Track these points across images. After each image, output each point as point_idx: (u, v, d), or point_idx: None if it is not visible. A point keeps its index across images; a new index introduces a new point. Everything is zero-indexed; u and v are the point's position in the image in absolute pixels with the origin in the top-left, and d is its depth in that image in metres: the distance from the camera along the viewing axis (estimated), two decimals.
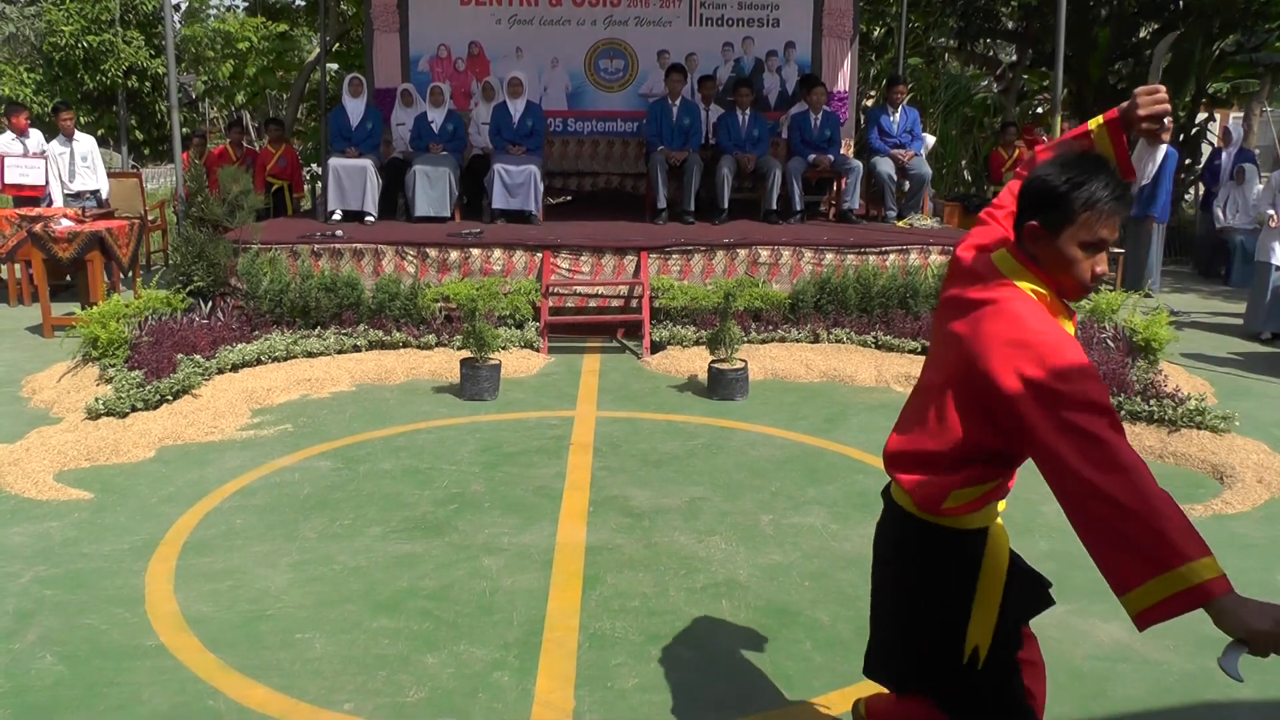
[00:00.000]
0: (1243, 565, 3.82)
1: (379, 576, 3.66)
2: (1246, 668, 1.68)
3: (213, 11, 17.68)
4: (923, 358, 3.58)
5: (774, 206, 8.85)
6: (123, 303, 6.40)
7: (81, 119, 11.75)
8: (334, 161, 8.69)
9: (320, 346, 6.67)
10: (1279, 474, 4.70)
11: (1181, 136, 13.17)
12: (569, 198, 10.63)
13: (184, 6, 17.05)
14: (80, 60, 12.71)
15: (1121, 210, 1.89)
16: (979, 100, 15.34)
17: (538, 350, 7.09)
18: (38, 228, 7.72)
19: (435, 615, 3.37)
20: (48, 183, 9.19)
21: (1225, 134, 11.31)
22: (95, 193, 9.56)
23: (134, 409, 5.33)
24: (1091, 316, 6.90)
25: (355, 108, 8.99)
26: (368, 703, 2.86)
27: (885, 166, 9.07)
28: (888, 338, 6.98)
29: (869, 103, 13.99)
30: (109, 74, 12.79)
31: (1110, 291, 7.91)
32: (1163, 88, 2.10)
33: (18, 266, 8.88)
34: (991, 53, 17.78)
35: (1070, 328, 1.96)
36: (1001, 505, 2.11)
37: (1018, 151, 10.98)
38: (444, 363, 6.62)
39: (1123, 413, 5.43)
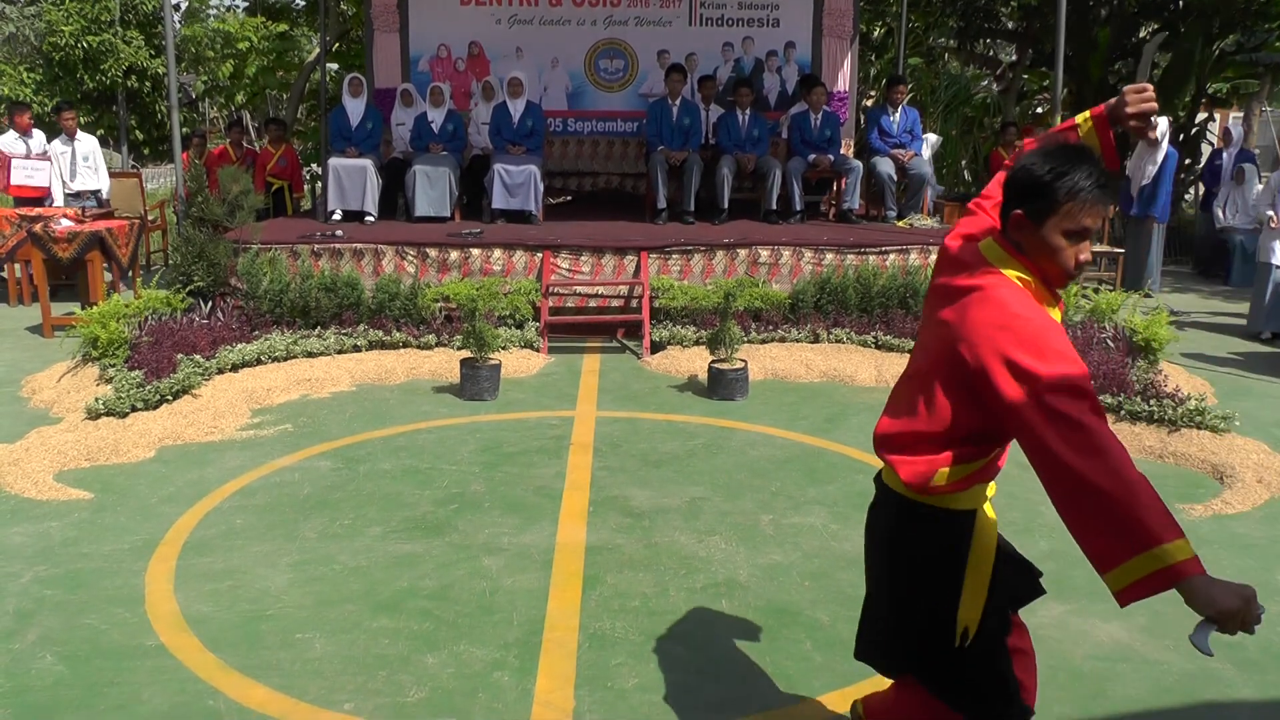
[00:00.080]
0: (1243, 565, 3.82)
1: (379, 576, 3.66)
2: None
3: (213, 11, 17.68)
4: None
5: (774, 206, 8.85)
6: (123, 303, 6.40)
7: (81, 119, 11.73)
8: (334, 161, 8.69)
9: (320, 346, 6.67)
10: (1279, 474, 4.70)
11: (1181, 136, 13.17)
12: (569, 198, 10.63)
13: (184, 6, 17.04)
14: (80, 60, 12.70)
15: (1104, 199, 1.93)
16: (979, 100, 15.34)
17: (538, 350, 7.09)
18: (38, 228, 7.72)
19: (435, 615, 3.37)
20: (51, 183, 9.21)
21: (1225, 134, 11.30)
22: (96, 193, 9.56)
23: (134, 409, 5.33)
24: (1091, 316, 6.90)
25: (355, 108, 8.99)
26: (368, 703, 2.86)
27: (885, 166, 9.07)
28: (888, 338, 6.98)
29: (869, 103, 13.99)
30: (109, 74, 12.79)
31: (1110, 291, 7.92)
32: (1150, 86, 2.16)
33: (18, 266, 8.89)
34: (991, 53, 17.77)
35: (1056, 315, 2.01)
36: (991, 489, 2.16)
37: (1017, 152, 10.97)
38: (444, 363, 6.62)
39: (1123, 413, 5.43)
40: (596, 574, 3.69)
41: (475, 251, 7.55)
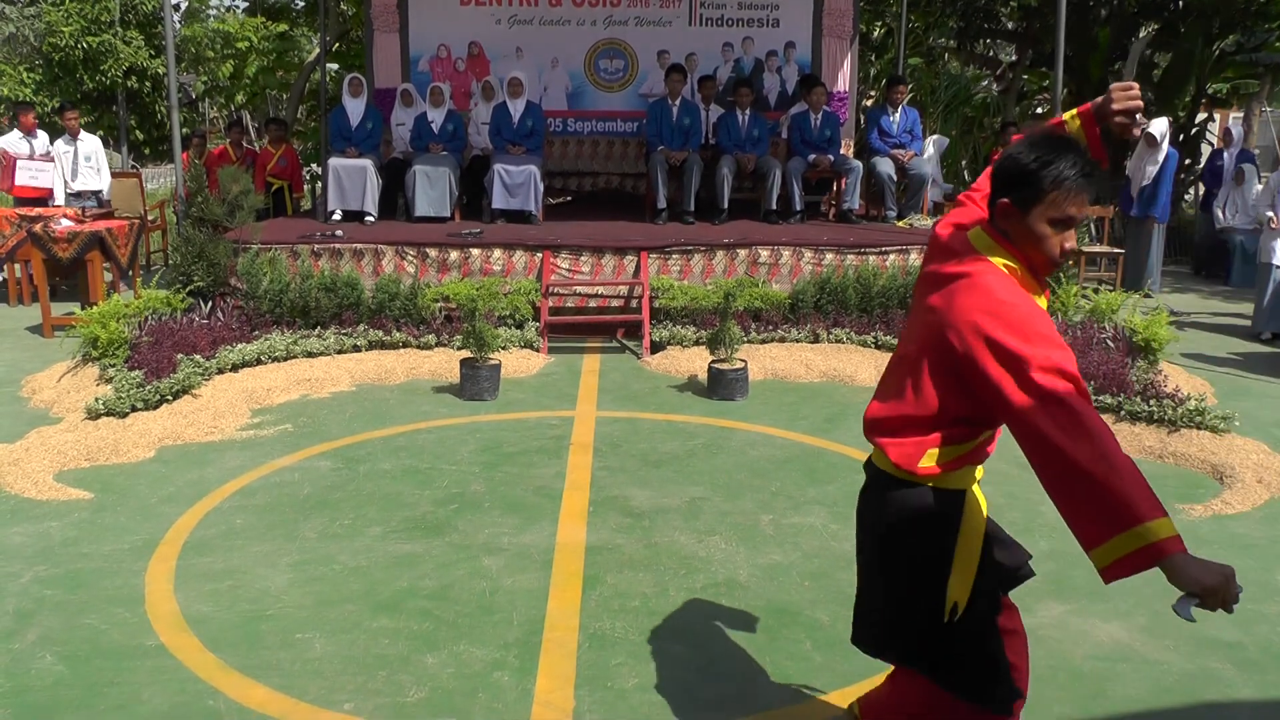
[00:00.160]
0: (1243, 565, 3.80)
1: (379, 576, 3.66)
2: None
3: (212, 11, 17.70)
4: None
5: (774, 206, 8.85)
6: (123, 303, 6.40)
7: (82, 119, 11.75)
8: (334, 161, 8.69)
9: (320, 346, 6.67)
10: (1279, 474, 4.70)
11: (1181, 137, 13.17)
12: (569, 198, 10.63)
13: (184, 6, 17.05)
14: (80, 60, 12.71)
15: (1089, 188, 1.97)
16: (979, 100, 15.33)
17: (538, 350, 7.09)
18: (37, 228, 7.72)
19: (435, 615, 3.37)
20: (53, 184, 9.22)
21: (1225, 134, 11.30)
22: (96, 193, 9.56)
23: (134, 409, 5.33)
24: (1091, 316, 6.90)
25: (355, 108, 8.99)
26: (368, 703, 2.86)
27: (885, 167, 9.07)
28: (888, 338, 6.98)
29: (869, 103, 13.98)
30: (109, 74, 12.80)
31: (1110, 292, 7.92)
32: (1136, 85, 2.21)
33: (18, 266, 8.89)
34: (991, 53, 17.77)
35: (1043, 302, 2.05)
36: (979, 472, 2.19)
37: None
38: (444, 363, 6.62)
39: (1123, 413, 5.44)
40: (596, 574, 3.69)
41: (475, 251, 7.55)
